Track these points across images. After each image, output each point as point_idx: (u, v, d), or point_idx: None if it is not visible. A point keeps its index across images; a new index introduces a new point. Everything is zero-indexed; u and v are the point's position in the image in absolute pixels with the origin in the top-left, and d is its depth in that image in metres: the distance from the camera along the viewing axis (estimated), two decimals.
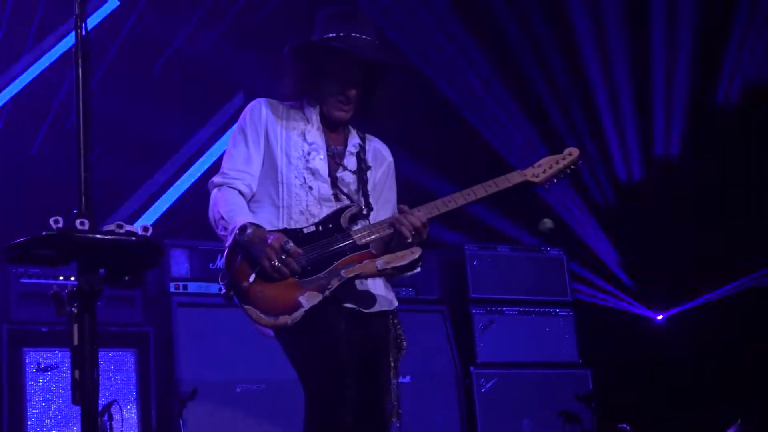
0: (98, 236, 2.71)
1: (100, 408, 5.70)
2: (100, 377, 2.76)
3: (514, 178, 4.16)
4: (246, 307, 3.78)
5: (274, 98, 4.18)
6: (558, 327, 7.85)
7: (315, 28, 4.18)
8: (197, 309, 6.56)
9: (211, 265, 6.75)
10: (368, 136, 4.29)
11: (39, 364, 6.09)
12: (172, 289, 6.64)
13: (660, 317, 9.10)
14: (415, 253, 3.93)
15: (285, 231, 3.89)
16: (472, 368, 7.40)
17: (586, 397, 7.07)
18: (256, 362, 6.36)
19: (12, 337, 6.09)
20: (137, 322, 6.48)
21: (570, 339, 7.85)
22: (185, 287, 6.68)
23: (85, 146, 2.78)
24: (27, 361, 6.07)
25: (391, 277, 4.05)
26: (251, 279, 3.79)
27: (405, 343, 4.12)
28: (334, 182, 4.07)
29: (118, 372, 6.26)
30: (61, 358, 6.08)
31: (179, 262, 6.70)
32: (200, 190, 4.27)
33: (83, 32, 2.93)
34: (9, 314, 6.16)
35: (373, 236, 3.95)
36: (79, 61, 2.88)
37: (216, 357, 6.45)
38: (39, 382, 6.05)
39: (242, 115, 4.13)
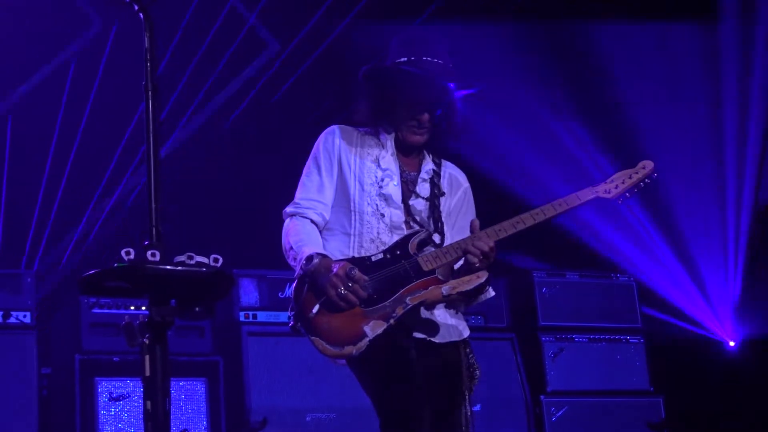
0: (169, 268, 2.72)
1: None
2: (171, 407, 2.77)
3: (585, 195, 4.08)
4: (312, 338, 3.78)
5: (350, 124, 4.19)
6: (629, 354, 7.75)
7: (388, 53, 4.18)
8: (267, 338, 6.57)
9: (279, 294, 6.76)
10: (444, 162, 4.25)
11: (111, 393, 6.14)
12: (241, 318, 6.67)
13: (733, 343, 8.93)
14: (482, 277, 3.88)
15: (353, 259, 3.89)
16: (542, 396, 7.32)
17: (658, 426, 6.97)
18: (325, 391, 6.36)
19: (84, 366, 6.17)
20: (207, 352, 6.53)
21: (641, 366, 7.75)
22: (254, 316, 6.70)
23: (155, 178, 2.80)
24: (99, 390, 6.14)
25: (459, 304, 4.02)
26: (314, 310, 3.78)
27: (478, 372, 4.08)
28: (407, 209, 4.05)
29: (188, 401, 6.30)
30: (133, 387, 6.13)
31: (248, 292, 6.73)
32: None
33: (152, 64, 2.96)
34: (81, 344, 6.24)
35: (440, 261, 3.93)
36: (149, 93, 2.90)
37: (286, 386, 6.46)
38: (111, 411, 6.11)
39: (316, 143, 4.14)
